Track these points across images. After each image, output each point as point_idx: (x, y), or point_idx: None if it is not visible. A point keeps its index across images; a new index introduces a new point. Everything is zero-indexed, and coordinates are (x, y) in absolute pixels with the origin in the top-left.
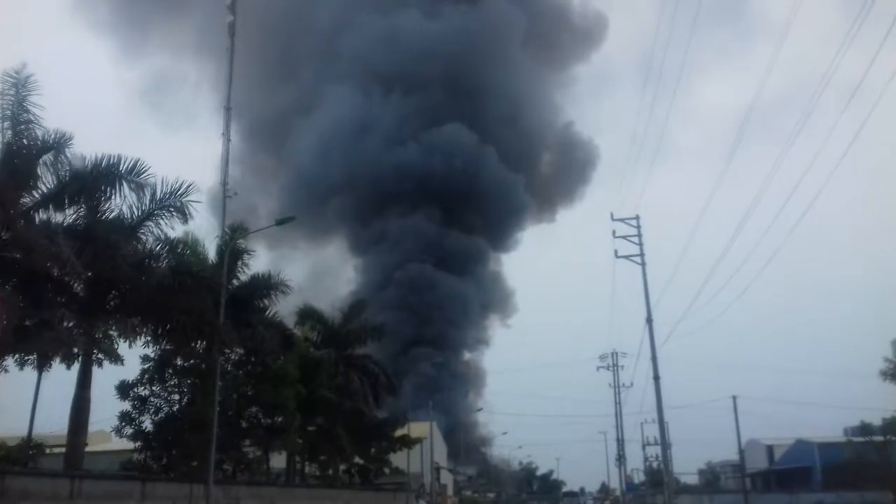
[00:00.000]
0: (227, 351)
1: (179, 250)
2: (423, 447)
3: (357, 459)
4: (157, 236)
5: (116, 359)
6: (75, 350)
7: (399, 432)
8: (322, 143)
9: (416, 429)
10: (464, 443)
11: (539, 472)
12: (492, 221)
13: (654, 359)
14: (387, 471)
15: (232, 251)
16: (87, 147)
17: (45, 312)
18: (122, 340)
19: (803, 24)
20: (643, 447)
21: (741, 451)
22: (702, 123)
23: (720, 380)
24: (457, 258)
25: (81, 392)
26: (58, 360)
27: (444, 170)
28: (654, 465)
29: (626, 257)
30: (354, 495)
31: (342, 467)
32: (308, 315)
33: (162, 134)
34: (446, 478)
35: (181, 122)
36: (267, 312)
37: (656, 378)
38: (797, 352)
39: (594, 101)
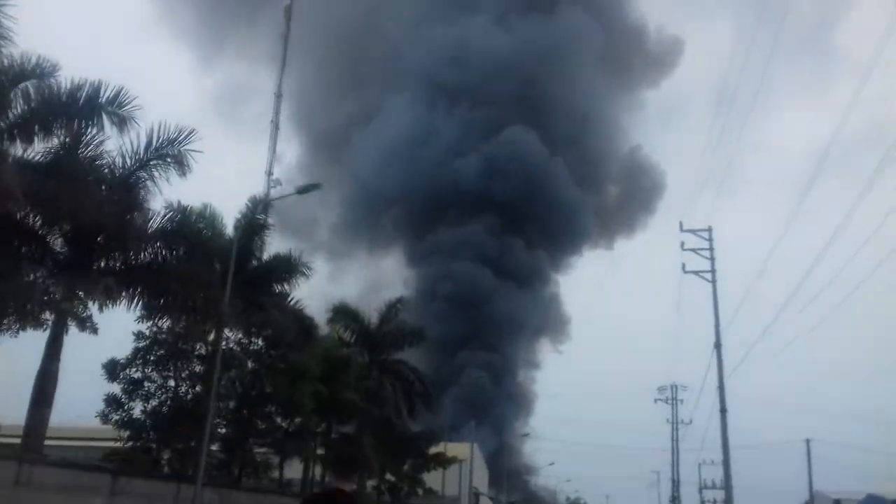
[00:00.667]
0: (242, 338)
1: (193, 220)
2: (461, 469)
3: (388, 476)
4: (169, 203)
5: (86, 326)
6: (29, 307)
7: (435, 450)
8: (382, 154)
9: (456, 450)
10: (508, 469)
11: None
12: (552, 239)
13: (721, 388)
14: (420, 491)
15: (250, 225)
16: None
17: (3, 263)
18: (93, 304)
19: (888, 61)
20: (700, 490)
21: (811, 493)
22: (774, 159)
23: (785, 422)
24: (515, 271)
25: (48, 363)
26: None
27: (507, 176)
28: None
29: (696, 272)
30: None
31: (371, 483)
32: (341, 313)
33: (234, 142)
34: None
35: (253, 130)
36: (289, 299)
37: (723, 411)
38: (872, 398)
39: (661, 130)
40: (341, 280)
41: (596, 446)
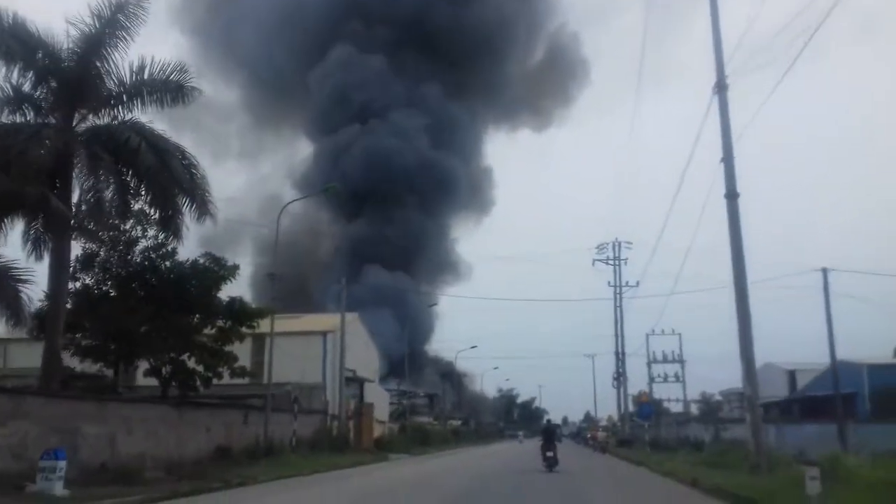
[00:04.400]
0: None
1: None
2: (326, 344)
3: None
4: None
5: None
6: None
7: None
8: (268, 23)
9: (335, 322)
10: (420, 355)
11: (520, 400)
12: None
13: (727, 157)
14: (222, 373)
15: None
16: None
17: None
18: None
19: None
20: (648, 364)
21: (831, 335)
22: (700, 49)
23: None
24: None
25: None
26: None
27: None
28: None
29: None
30: (103, 409)
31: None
32: None
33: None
34: (377, 395)
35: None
36: None
37: (730, 196)
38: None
39: (585, 27)
40: (260, 167)
41: (526, 301)
